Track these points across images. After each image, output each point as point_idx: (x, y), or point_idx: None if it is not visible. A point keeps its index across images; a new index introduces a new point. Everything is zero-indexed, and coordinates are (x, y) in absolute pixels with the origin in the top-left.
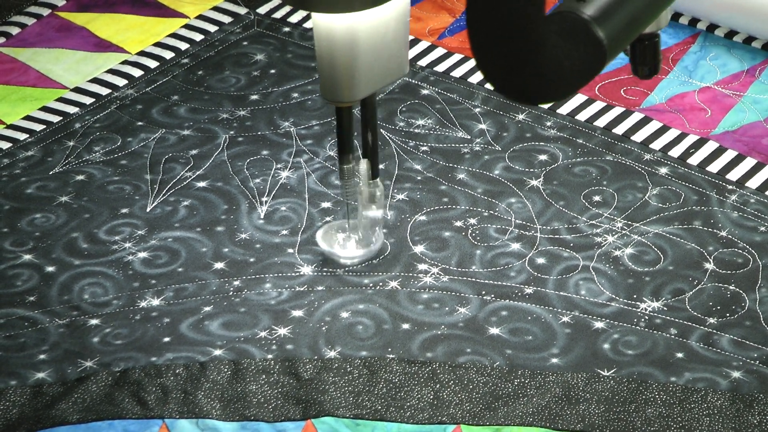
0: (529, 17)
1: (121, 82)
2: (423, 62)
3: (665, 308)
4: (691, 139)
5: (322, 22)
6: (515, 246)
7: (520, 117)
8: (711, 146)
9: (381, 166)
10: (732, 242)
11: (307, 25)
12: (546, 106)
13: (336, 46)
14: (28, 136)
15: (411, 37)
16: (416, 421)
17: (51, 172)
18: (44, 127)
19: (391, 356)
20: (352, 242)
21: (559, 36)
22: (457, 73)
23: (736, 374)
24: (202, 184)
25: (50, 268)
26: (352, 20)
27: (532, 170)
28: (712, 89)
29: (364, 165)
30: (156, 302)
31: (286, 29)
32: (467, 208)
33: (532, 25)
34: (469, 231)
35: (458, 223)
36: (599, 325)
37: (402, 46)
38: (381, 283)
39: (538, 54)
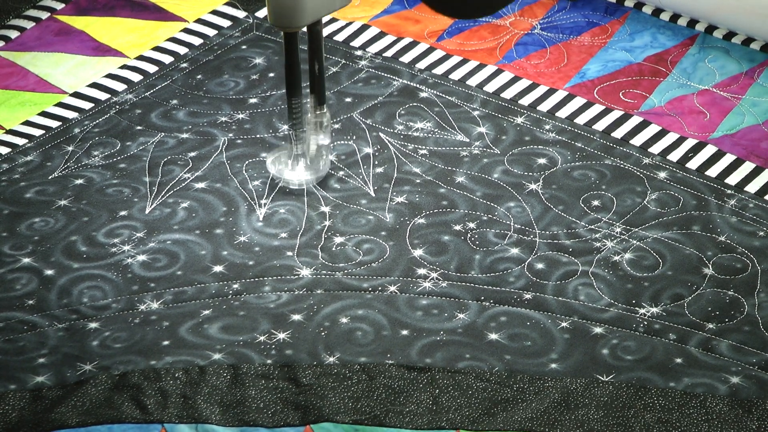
0: None
1: (120, 86)
2: (422, 65)
3: (664, 313)
4: (690, 143)
5: None
6: (514, 251)
7: (519, 120)
8: (710, 150)
9: (380, 169)
10: (731, 247)
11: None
12: (545, 109)
13: None
14: (27, 141)
15: (409, 39)
16: (415, 426)
17: (50, 177)
18: (43, 132)
19: (390, 362)
20: (300, 166)
21: None
22: (456, 75)
23: (735, 379)
24: (200, 185)
25: (49, 272)
26: None
27: (531, 174)
28: (711, 92)
29: (310, 97)
30: (155, 305)
31: None
32: (466, 211)
33: None
34: (468, 235)
35: (457, 227)
36: (598, 330)
37: None
38: (380, 288)
39: None
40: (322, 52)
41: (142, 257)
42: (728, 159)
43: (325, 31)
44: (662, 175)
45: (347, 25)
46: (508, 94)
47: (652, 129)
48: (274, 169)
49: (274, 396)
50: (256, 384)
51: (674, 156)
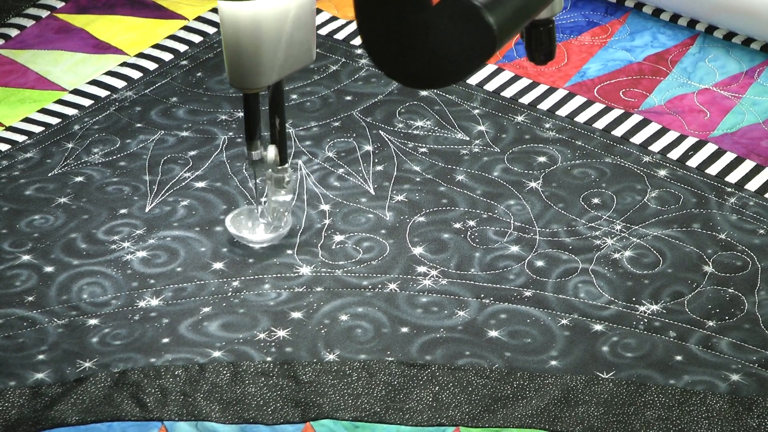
0: (416, 3)
1: (120, 84)
2: None
3: (664, 311)
4: (690, 141)
5: (227, 11)
6: (514, 248)
7: (519, 119)
8: (710, 148)
9: (380, 167)
10: (731, 245)
11: None
12: (545, 107)
13: (241, 34)
14: (27, 138)
15: None
16: (415, 423)
17: (50, 174)
18: (43, 129)
19: (390, 359)
20: (261, 227)
21: (450, 21)
22: None
23: (735, 377)
24: (200, 184)
25: (49, 269)
26: (257, 8)
27: (531, 172)
28: (711, 91)
29: (272, 151)
30: (155, 302)
31: None
32: (466, 209)
33: (419, 10)
34: (468, 233)
35: (457, 225)
36: (598, 327)
37: (308, 34)
38: (380, 285)
39: (427, 39)
40: (284, 108)
41: (141, 254)
42: (728, 157)
43: (326, 30)
44: (662, 173)
45: (347, 23)
46: (508, 93)
47: (653, 127)
48: (234, 230)
49: (274, 393)
50: (256, 381)
51: (674, 154)
